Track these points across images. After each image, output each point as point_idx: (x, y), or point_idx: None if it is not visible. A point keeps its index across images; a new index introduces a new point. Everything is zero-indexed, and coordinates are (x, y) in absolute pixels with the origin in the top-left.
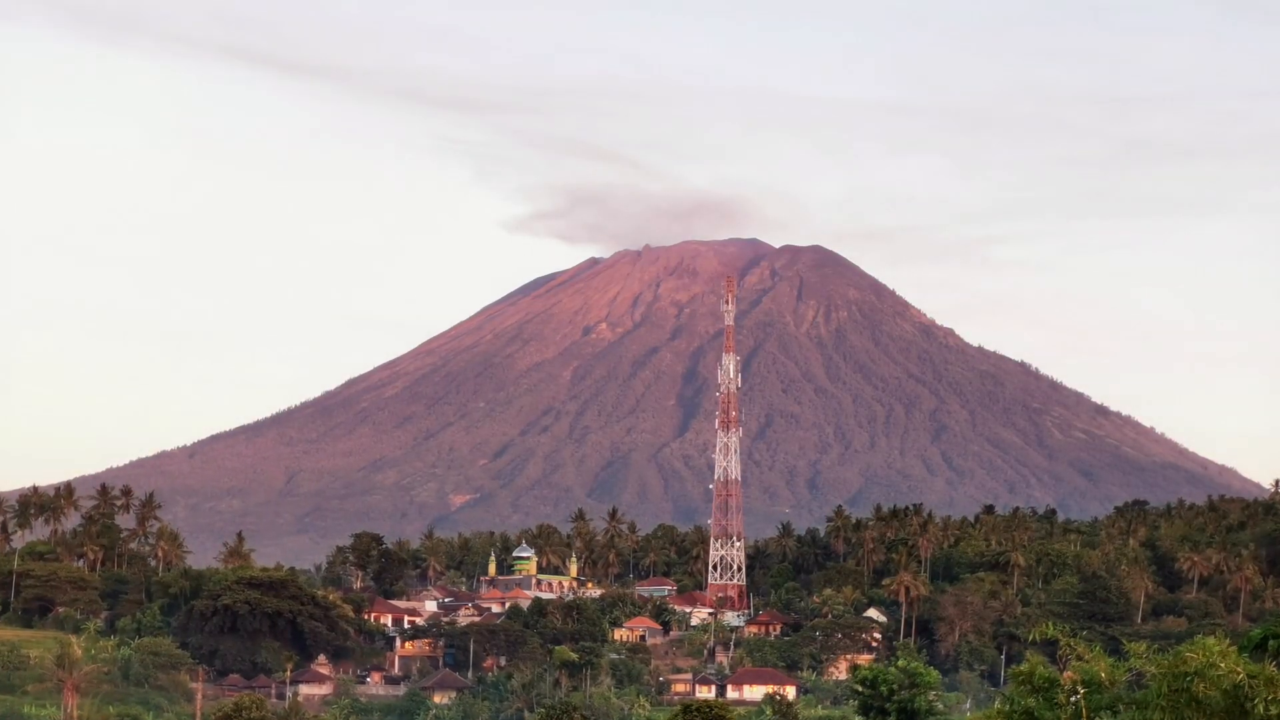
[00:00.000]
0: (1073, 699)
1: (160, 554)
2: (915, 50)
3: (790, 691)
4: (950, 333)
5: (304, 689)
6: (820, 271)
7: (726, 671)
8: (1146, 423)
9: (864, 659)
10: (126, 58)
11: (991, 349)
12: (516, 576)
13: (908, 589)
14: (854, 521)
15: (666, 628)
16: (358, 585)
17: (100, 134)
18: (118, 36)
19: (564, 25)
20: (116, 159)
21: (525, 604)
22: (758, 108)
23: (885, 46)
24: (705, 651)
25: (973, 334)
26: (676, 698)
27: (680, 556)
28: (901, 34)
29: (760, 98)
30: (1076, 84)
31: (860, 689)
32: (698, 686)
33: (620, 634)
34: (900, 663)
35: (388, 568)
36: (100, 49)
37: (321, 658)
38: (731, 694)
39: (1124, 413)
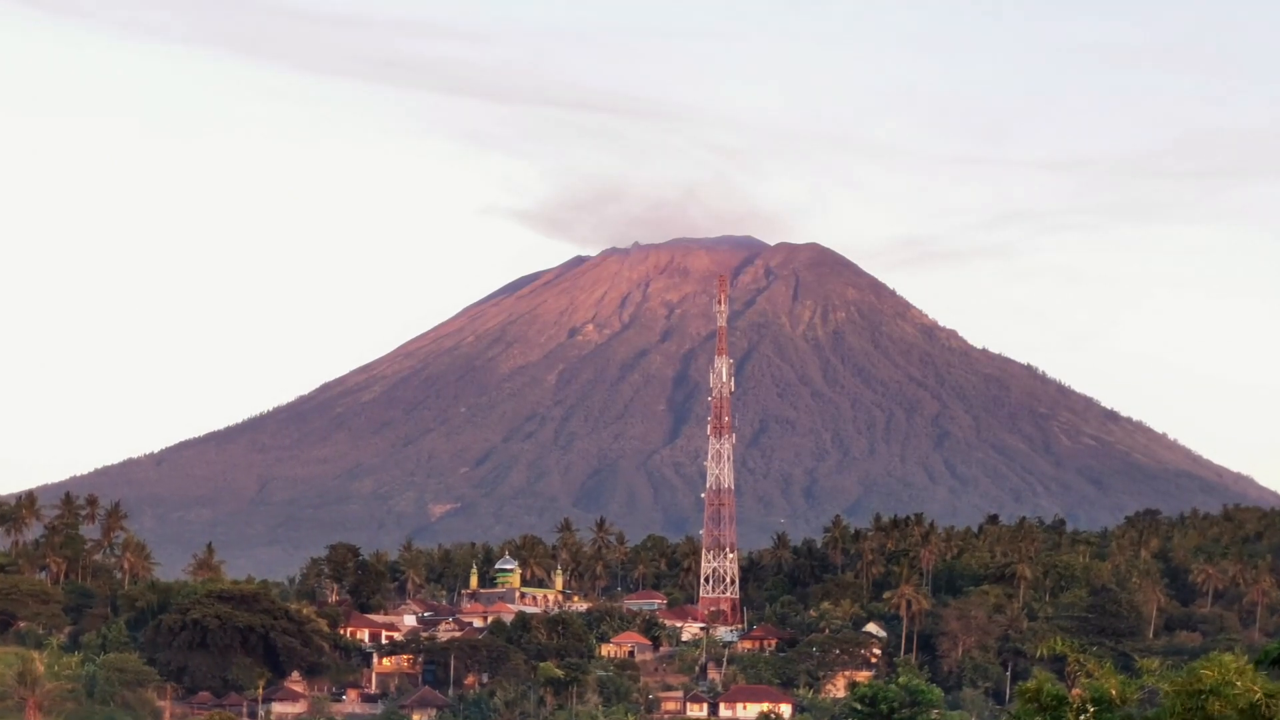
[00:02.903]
0: (1081, 717)
1: (126, 566)
2: (917, 51)
3: (786, 710)
4: (953, 334)
5: (277, 707)
6: (817, 270)
7: (719, 689)
8: (1159, 428)
9: (863, 676)
10: (98, 44)
11: (996, 351)
12: (499, 589)
13: (909, 602)
14: (852, 532)
15: (656, 643)
16: (333, 599)
17: (62, 127)
18: (94, 23)
19: (556, 16)
20: (78, 153)
21: (508, 618)
22: (755, 105)
23: (885, 46)
24: (697, 668)
25: (977, 336)
26: (667, 716)
27: (671, 569)
28: (903, 35)
29: (758, 95)
30: (1085, 87)
31: (859, 707)
32: (689, 704)
33: (608, 649)
34: (901, 680)
35: (364, 580)
36: (76, 36)
37: (295, 674)
38: (724, 712)
39: (1135, 418)
